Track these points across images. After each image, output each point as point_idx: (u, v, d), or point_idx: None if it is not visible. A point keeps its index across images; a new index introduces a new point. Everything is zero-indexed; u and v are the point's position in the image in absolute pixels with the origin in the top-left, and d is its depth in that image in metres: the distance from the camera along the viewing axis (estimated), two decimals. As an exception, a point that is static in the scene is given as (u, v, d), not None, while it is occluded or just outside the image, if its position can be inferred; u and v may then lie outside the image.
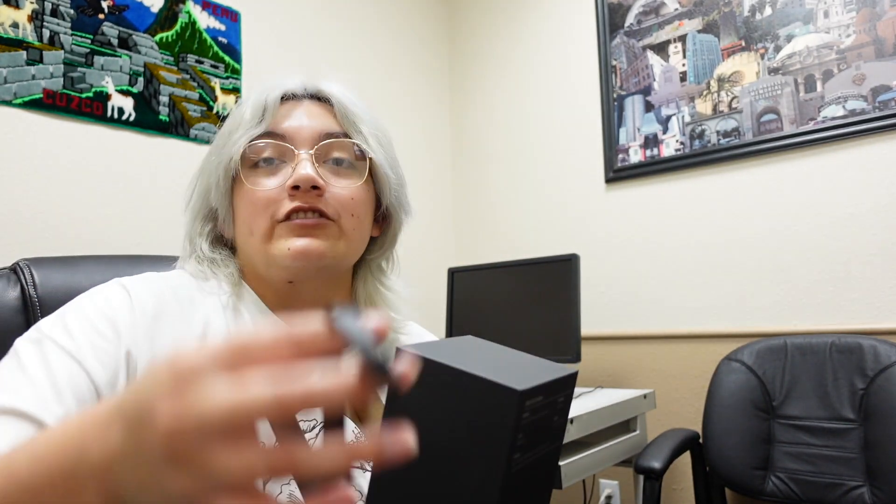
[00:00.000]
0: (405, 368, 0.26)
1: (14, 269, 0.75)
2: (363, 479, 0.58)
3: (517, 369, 0.35)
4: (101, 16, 1.46)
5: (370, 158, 0.64)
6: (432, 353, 0.34)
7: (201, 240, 0.66)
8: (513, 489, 0.34)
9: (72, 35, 1.40)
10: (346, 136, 0.64)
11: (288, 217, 0.60)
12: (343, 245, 0.62)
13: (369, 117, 0.67)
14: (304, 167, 0.60)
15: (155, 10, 1.56)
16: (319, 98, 0.66)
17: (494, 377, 0.32)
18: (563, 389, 0.37)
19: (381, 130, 0.68)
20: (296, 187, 0.59)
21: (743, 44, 1.78)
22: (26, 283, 0.74)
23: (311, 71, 0.69)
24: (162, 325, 0.56)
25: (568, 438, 1.34)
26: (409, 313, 0.75)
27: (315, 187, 0.60)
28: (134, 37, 1.52)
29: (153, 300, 0.58)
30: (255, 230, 0.61)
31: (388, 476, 0.35)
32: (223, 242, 0.68)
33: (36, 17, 1.35)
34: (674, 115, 1.90)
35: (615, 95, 2.02)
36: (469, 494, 0.33)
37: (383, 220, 0.70)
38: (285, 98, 0.65)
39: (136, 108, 1.50)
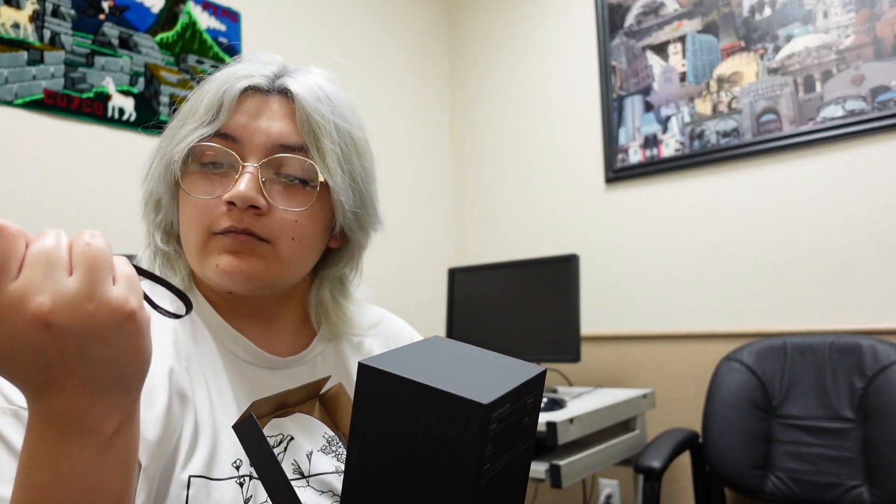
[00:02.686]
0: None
1: None
2: (337, 482, 0.57)
3: (483, 376, 0.34)
4: (102, 16, 1.46)
5: (322, 181, 0.57)
6: (394, 366, 0.33)
7: (155, 228, 0.61)
8: (485, 497, 0.33)
9: (72, 35, 1.41)
10: (305, 149, 0.57)
11: (225, 231, 0.55)
12: (277, 268, 0.57)
13: (338, 126, 0.59)
14: (245, 183, 0.54)
15: (155, 10, 1.57)
16: (287, 95, 0.58)
17: (458, 390, 0.31)
18: (531, 391, 0.36)
19: (348, 142, 0.60)
20: (232, 203, 0.54)
21: (742, 44, 1.79)
22: None
23: (288, 61, 0.62)
24: None
25: (568, 438, 1.35)
26: (373, 316, 0.72)
27: (254, 206, 0.54)
28: (134, 37, 1.52)
29: None
30: (191, 238, 0.57)
31: (361, 488, 0.35)
32: (173, 231, 0.62)
33: (37, 18, 1.35)
34: (673, 115, 1.90)
35: (615, 96, 2.03)
36: None
37: (342, 235, 0.64)
38: (250, 89, 0.57)
39: (136, 108, 1.51)
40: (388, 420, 0.33)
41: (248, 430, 0.40)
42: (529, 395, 0.36)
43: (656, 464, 1.40)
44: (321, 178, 0.57)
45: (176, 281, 0.59)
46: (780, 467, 1.49)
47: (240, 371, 0.59)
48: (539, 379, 0.37)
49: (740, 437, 1.53)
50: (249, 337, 0.60)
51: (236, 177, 0.55)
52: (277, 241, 0.56)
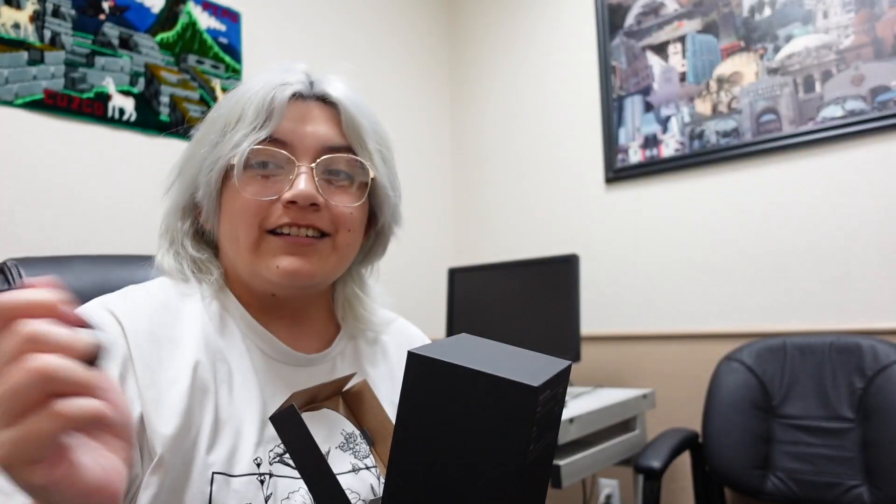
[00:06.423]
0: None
1: (1, 269, 0.76)
2: (352, 480, 0.57)
3: (522, 365, 0.37)
4: (102, 16, 1.46)
5: (372, 177, 0.62)
6: (441, 354, 0.35)
7: (184, 236, 0.64)
8: (526, 478, 0.36)
9: (73, 35, 1.41)
10: (351, 150, 0.61)
11: (278, 228, 0.58)
12: (334, 260, 0.61)
13: (375, 127, 0.64)
14: (304, 182, 0.57)
15: (156, 10, 1.57)
16: (325, 100, 0.62)
17: (509, 375, 0.33)
18: (562, 381, 0.39)
19: (384, 142, 0.65)
20: (292, 202, 0.57)
21: (742, 44, 1.79)
22: (13, 283, 0.74)
23: (315, 67, 0.65)
24: (161, 352, 0.54)
25: (568, 438, 1.35)
26: (387, 315, 0.73)
27: (313, 204, 0.57)
28: (135, 37, 1.52)
29: (146, 324, 0.55)
30: (241, 238, 0.58)
31: (406, 473, 0.36)
32: (205, 238, 0.65)
33: (37, 18, 1.35)
34: (673, 115, 1.90)
35: (615, 96, 2.03)
36: (487, 488, 0.34)
37: (371, 228, 0.67)
38: (295, 95, 0.61)
39: (136, 108, 1.51)
40: (439, 406, 0.35)
41: (289, 419, 0.42)
42: (561, 385, 0.39)
43: (656, 464, 1.40)
44: (371, 174, 0.61)
45: (211, 280, 0.62)
46: (780, 467, 1.49)
47: (266, 367, 0.60)
48: (567, 370, 0.40)
49: (740, 436, 1.53)
50: (278, 335, 0.62)
51: (291, 178, 0.58)
52: (337, 233, 0.60)
